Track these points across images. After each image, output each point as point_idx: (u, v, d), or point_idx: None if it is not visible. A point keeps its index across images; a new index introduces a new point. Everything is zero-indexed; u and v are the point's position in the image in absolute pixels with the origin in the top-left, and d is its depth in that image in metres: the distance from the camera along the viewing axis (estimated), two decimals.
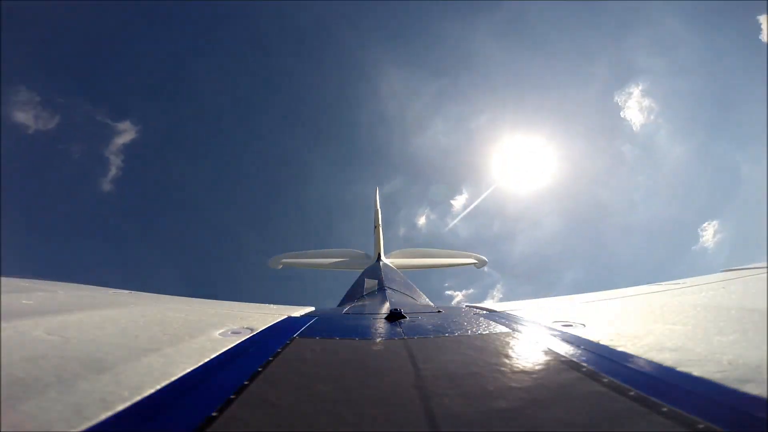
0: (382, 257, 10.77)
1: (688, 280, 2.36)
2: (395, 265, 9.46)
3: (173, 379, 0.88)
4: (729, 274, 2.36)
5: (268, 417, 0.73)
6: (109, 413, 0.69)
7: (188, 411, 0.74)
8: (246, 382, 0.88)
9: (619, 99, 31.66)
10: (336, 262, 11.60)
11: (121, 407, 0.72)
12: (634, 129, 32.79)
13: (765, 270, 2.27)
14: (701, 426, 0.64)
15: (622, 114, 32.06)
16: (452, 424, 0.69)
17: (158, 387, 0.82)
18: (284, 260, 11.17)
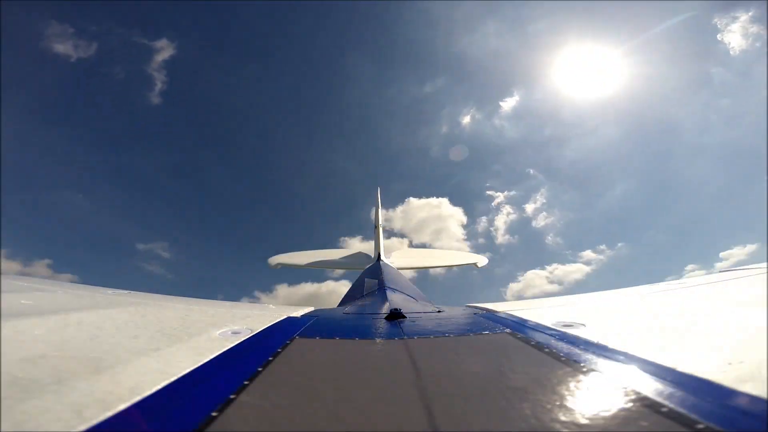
0: (382, 257, 10.77)
1: (689, 280, 2.36)
2: (395, 266, 9.47)
3: (173, 379, 0.88)
4: (729, 274, 2.37)
5: (268, 417, 0.73)
6: (109, 413, 0.69)
7: (188, 411, 0.74)
8: (246, 382, 0.88)
9: (719, 21, 29.25)
10: (335, 262, 11.61)
11: (120, 407, 0.72)
12: (731, 53, 30.15)
13: (765, 270, 2.27)
14: (701, 426, 0.64)
15: (719, 36, 29.58)
16: (452, 424, 0.69)
17: (158, 387, 0.82)
18: (282, 261, 11.15)
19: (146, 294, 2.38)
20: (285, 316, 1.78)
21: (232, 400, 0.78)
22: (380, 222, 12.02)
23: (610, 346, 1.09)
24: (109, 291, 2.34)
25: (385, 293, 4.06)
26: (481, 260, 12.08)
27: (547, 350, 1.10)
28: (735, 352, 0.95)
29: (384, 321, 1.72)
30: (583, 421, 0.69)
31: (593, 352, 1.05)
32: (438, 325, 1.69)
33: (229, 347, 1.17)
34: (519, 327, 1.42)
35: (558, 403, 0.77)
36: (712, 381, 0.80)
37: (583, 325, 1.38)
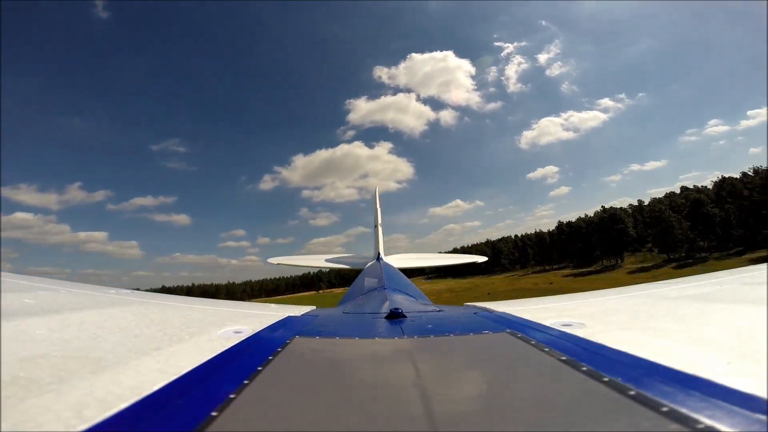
0: (382, 256, 10.78)
1: (689, 279, 2.36)
2: (395, 266, 9.48)
3: (173, 378, 0.88)
4: (729, 274, 2.36)
5: (268, 416, 0.73)
6: (109, 413, 0.69)
7: (188, 410, 0.74)
8: (246, 382, 0.88)
9: None
10: (335, 261, 11.63)
11: (121, 407, 0.72)
12: None
13: (765, 270, 2.26)
14: (701, 426, 0.64)
15: None
16: (452, 424, 0.69)
17: (158, 386, 0.82)
18: (282, 261, 11.20)
19: (147, 293, 2.39)
20: (285, 315, 1.79)
21: (232, 399, 0.78)
22: (380, 221, 12.08)
23: (610, 345, 1.09)
24: (112, 290, 2.34)
25: (385, 292, 4.06)
26: (480, 258, 12.34)
27: (547, 350, 1.10)
28: (735, 352, 0.95)
29: (384, 320, 1.72)
30: (583, 421, 0.69)
31: (593, 352, 1.05)
32: (438, 325, 1.69)
33: (229, 346, 1.18)
34: (519, 326, 1.43)
35: (558, 403, 0.77)
36: (712, 381, 0.80)
37: (583, 324, 1.38)
